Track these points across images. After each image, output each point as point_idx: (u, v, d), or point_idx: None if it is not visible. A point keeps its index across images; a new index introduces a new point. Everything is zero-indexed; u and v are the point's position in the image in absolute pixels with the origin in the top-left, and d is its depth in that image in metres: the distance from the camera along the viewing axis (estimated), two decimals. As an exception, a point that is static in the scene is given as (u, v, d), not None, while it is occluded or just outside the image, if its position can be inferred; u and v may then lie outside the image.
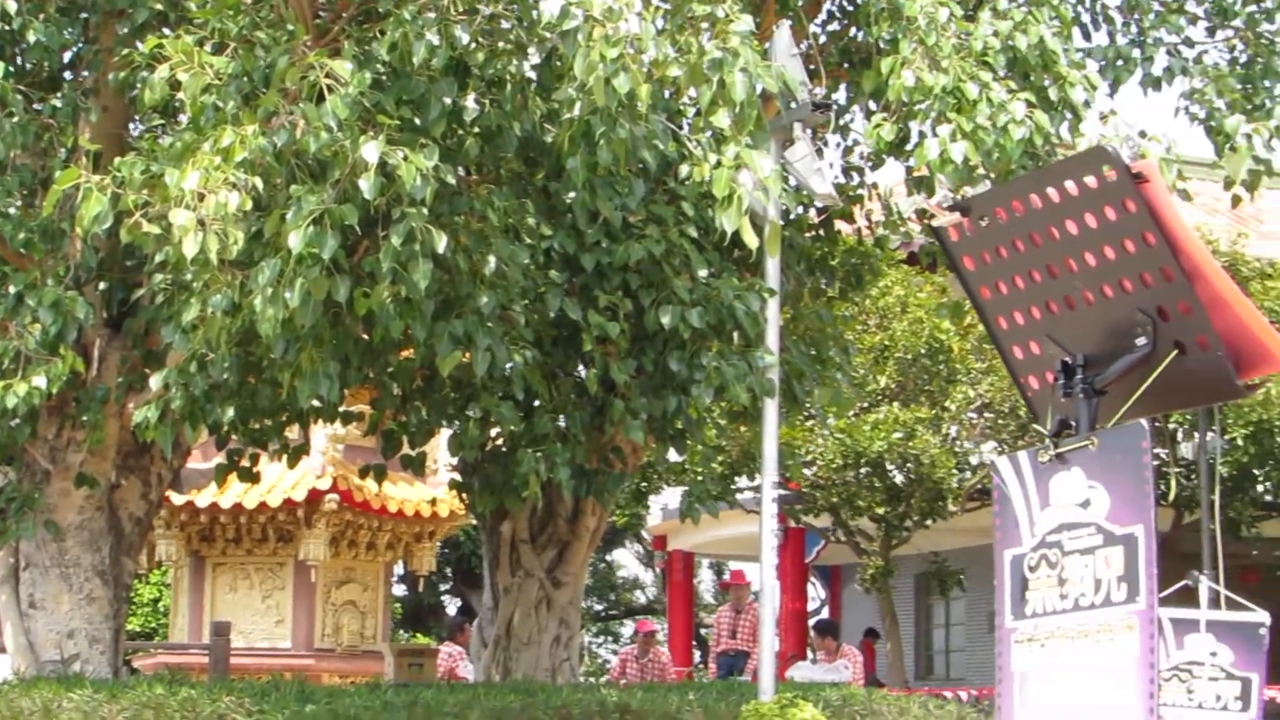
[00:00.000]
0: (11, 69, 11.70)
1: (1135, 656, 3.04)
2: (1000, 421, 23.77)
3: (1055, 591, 3.20)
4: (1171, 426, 23.89)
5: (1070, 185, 3.18)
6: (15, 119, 11.39)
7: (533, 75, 11.01)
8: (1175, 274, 3.16)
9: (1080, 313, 3.29)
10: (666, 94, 11.30)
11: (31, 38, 11.55)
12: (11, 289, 11.49)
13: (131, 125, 12.75)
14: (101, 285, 12.38)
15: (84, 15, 12.39)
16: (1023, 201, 3.16)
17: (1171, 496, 22.74)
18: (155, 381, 11.17)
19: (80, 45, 12.63)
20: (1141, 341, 3.23)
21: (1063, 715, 3.15)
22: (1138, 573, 3.08)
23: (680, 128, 11.46)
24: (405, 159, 9.52)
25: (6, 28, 11.69)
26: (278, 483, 20.58)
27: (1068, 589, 3.19)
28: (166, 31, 11.00)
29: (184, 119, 10.13)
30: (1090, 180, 3.16)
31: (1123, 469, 3.15)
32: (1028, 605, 3.24)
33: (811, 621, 29.46)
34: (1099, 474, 3.18)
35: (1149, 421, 3.53)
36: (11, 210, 11.51)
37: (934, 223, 3.48)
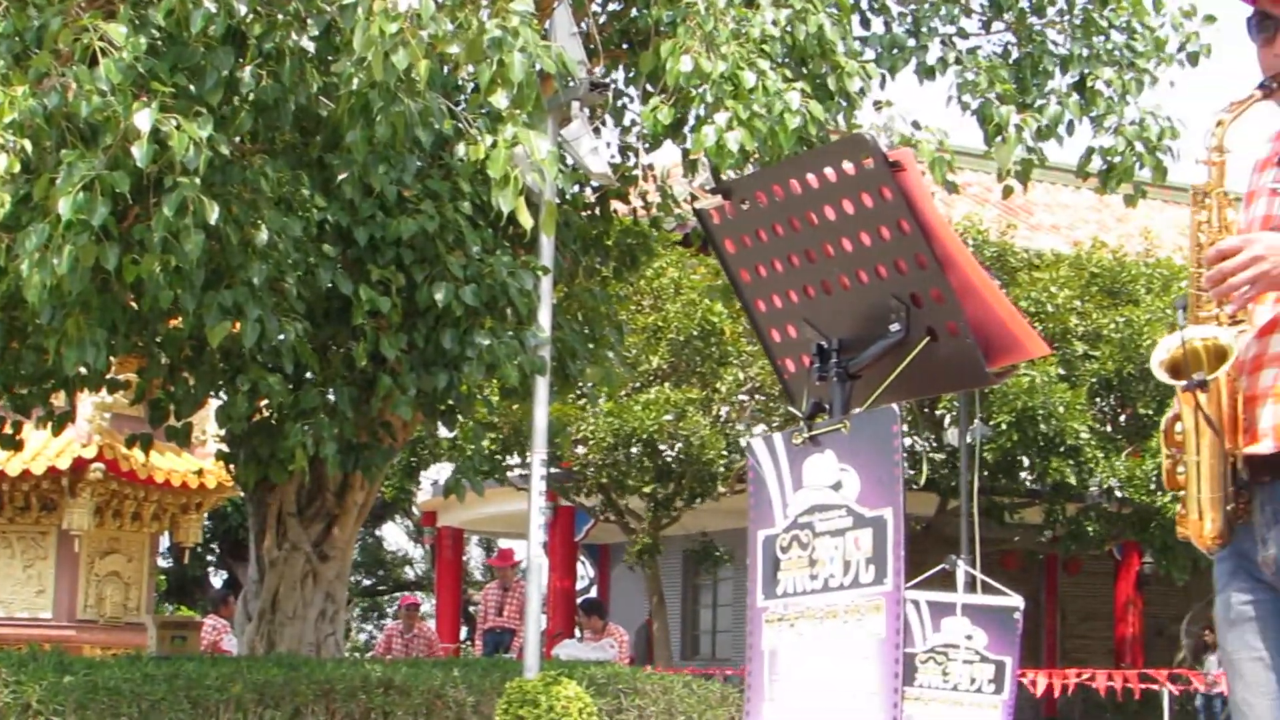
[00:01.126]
0: None
1: (881, 637, 3.09)
2: (771, 404, 24.04)
3: (806, 572, 3.24)
4: (939, 413, 24.33)
5: (829, 171, 3.21)
6: None
7: (311, 48, 10.87)
8: (929, 261, 3.21)
9: (837, 297, 3.33)
10: (444, 70, 11.25)
11: None
12: None
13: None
14: None
15: None
16: (783, 186, 3.19)
17: (923, 481, 23.17)
18: (-85, 345, 10.93)
19: None
20: (895, 327, 3.27)
21: (811, 693, 3.19)
22: (886, 555, 3.13)
23: (457, 104, 11.42)
24: (179, 127, 9.41)
25: None
26: (42, 450, 20.19)
27: (818, 570, 3.23)
28: (-66, -12, 10.73)
29: (-49, 78, 9.89)
30: (848, 167, 3.19)
31: (873, 453, 3.19)
32: (779, 585, 3.27)
33: (579, 600, 29.57)
34: (850, 457, 3.22)
35: (901, 406, 3.59)
36: None
37: (695, 205, 3.51)
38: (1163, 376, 3.52)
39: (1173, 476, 3.57)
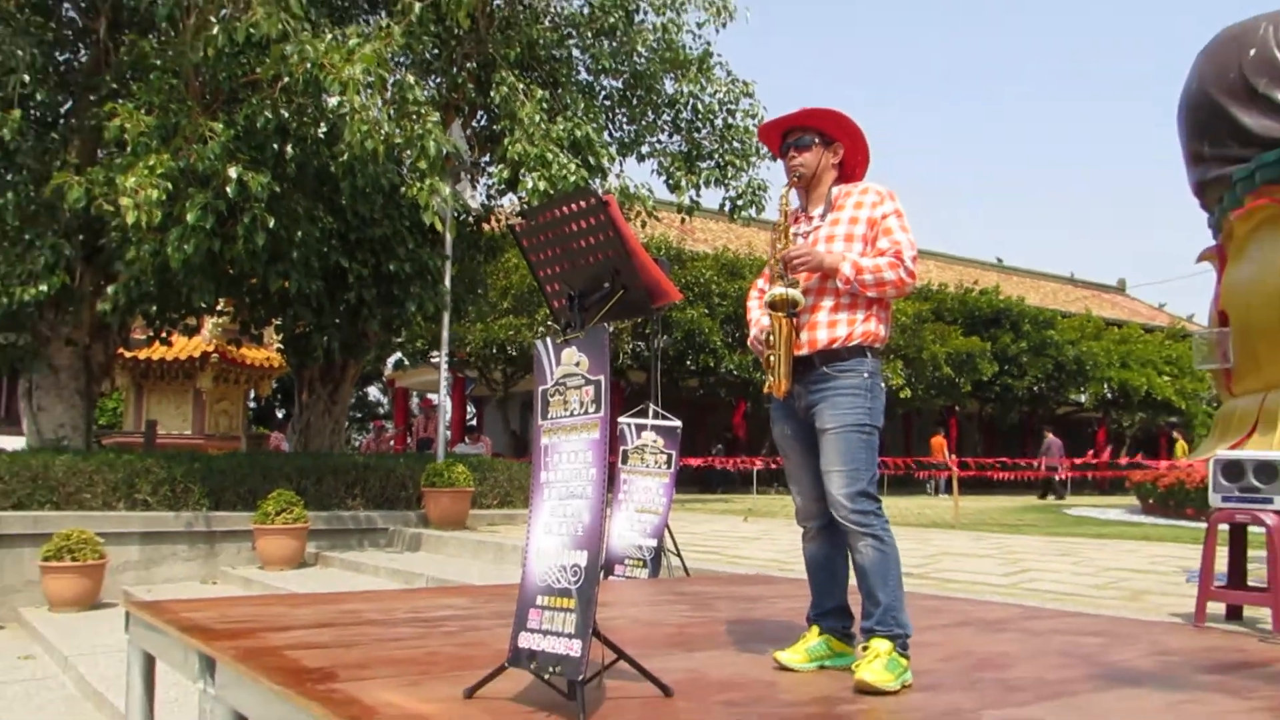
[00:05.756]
0: (25, 116, 10.73)
1: (596, 439, 3.09)
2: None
3: (562, 408, 3.22)
4: (648, 331, 24.39)
5: (573, 205, 3.18)
6: (29, 143, 10.51)
7: (322, 135, 10.56)
8: (622, 253, 3.20)
9: (578, 269, 3.31)
10: (394, 151, 11.01)
11: (39, 96, 10.61)
12: (26, 236, 10.61)
13: (99, 151, 11.83)
14: (81, 236, 11.47)
15: (71, 90, 11.44)
16: (551, 213, 3.16)
17: (634, 364, 23.10)
18: (110, 290, 10.49)
19: (68, 105, 11.63)
20: (607, 285, 3.26)
21: (563, 467, 3.18)
22: (601, 399, 3.12)
23: (401, 167, 11.18)
24: (253, 176, 9.14)
25: (23, 92, 10.64)
26: (184, 347, 19.67)
27: (568, 407, 3.22)
28: (120, 100, 10.21)
29: (129, 149, 9.44)
30: (582, 203, 3.17)
31: (594, 348, 3.19)
32: (549, 414, 3.26)
33: (466, 424, 29.37)
34: (584, 350, 3.21)
35: (613, 326, 3.59)
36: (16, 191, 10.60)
37: (508, 222, 3.43)
38: (766, 311, 3.54)
39: (767, 361, 3.57)
